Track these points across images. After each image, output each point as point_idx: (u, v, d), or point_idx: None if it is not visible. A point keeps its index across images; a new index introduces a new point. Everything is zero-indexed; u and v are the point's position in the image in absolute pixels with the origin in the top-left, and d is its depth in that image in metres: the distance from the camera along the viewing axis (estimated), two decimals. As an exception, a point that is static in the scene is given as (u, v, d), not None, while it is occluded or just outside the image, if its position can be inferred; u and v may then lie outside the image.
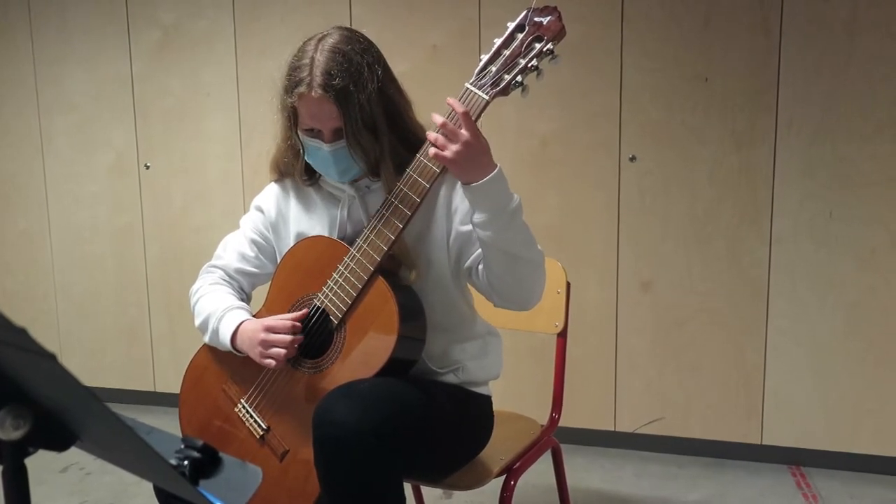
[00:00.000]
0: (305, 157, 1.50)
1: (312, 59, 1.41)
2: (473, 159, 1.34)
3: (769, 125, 2.42)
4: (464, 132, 1.32)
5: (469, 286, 1.59)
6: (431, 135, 1.36)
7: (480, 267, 1.47)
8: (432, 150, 1.35)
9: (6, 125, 3.14)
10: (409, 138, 1.48)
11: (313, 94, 1.40)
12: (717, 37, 2.42)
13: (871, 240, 2.38)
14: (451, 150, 1.33)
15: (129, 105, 2.99)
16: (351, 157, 1.44)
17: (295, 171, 1.56)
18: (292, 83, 1.42)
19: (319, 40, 1.44)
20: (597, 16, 2.49)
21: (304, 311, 1.48)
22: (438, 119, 1.35)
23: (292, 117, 1.46)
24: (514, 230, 1.39)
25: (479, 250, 1.46)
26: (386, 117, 1.45)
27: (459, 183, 1.42)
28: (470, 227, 1.45)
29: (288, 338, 1.43)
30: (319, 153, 1.46)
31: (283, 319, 1.45)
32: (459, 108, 1.33)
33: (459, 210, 1.49)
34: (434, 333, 1.50)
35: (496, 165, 1.36)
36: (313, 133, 1.45)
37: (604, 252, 2.60)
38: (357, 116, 1.40)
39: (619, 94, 2.52)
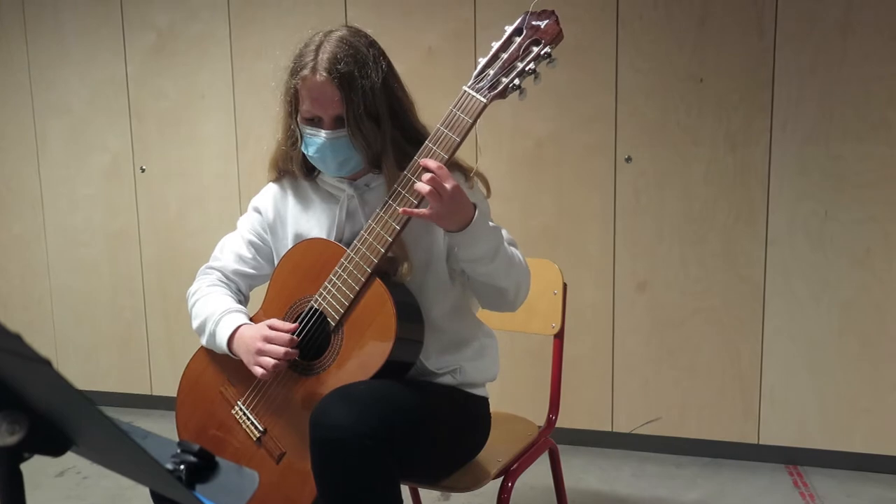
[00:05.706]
0: (302, 149, 1.49)
1: (320, 44, 1.43)
2: (457, 205, 1.35)
3: (764, 125, 2.42)
4: (447, 186, 1.32)
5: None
6: (428, 162, 1.35)
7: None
8: (418, 210, 1.35)
9: (1, 129, 3.13)
10: (412, 135, 1.48)
11: (317, 77, 1.40)
12: (712, 37, 2.43)
13: (866, 239, 2.39)
14: (441, 205, 1.33)
15: (124, 108, 2.99)
16: (350, 147, 1.44)
17: (293, 164, 1.55)
18: (297, 66, 1.43)
19: (326, 33, 1.46)
20: (592, 17, 2.49)
21: (297, 324, 1.47)
22: (424, 186, 1.34)
23: (293, 103, 1.46)
24: (500, 260, 1.42)
25: None
26: (389, 110, 1.45)
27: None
28: None
29: (281, 350, 1.42)
30: (317, 142, 1.45)
31: (281, 333, 1.43)
32: (432, 165, 1.34)
33: None
34: (432, 335, 1.50)
35: (473, 205, 1.38)
36: (313, 122, 1.45)
37: (600, 253, 2.60)
38: (360, 103, 1.41)
39: (614, 95, 2.52)
